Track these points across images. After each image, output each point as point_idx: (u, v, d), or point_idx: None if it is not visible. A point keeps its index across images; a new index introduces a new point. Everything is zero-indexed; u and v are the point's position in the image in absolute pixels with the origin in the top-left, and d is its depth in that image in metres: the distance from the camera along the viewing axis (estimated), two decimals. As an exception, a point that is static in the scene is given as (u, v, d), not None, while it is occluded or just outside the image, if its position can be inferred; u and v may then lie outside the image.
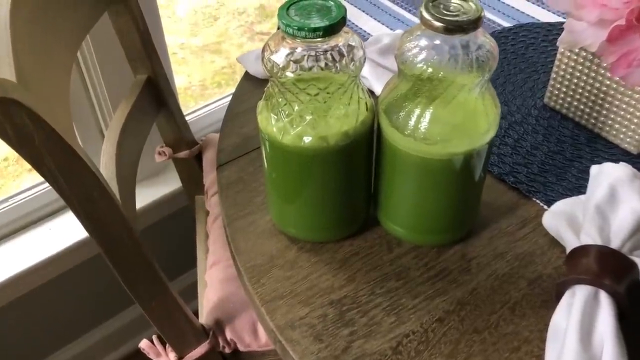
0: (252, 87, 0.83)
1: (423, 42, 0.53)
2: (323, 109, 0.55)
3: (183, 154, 1.03)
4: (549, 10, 0.94)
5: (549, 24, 0.90)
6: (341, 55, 0.53)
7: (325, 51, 0.53)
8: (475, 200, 0.62)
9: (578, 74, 0.72)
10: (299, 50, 0.53)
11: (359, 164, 0.60)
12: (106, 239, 0.69)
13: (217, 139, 1.05)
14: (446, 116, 0.55)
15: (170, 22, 2.24)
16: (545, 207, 0.67)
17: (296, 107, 0.55)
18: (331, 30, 0.52)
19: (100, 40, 0.98)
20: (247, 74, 0.84)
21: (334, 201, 0.61)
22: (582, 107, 0.74)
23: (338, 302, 0.60)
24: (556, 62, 0.74)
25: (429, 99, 0.55)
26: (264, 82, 0.83)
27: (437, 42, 0.53)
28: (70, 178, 0.62)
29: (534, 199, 0.68)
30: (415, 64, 0.53)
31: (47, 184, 1.15)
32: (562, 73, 0.74)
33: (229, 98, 1.36)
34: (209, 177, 1.02)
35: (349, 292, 0.61)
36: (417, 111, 0.55)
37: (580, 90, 0.73)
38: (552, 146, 0.72)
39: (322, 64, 0.53)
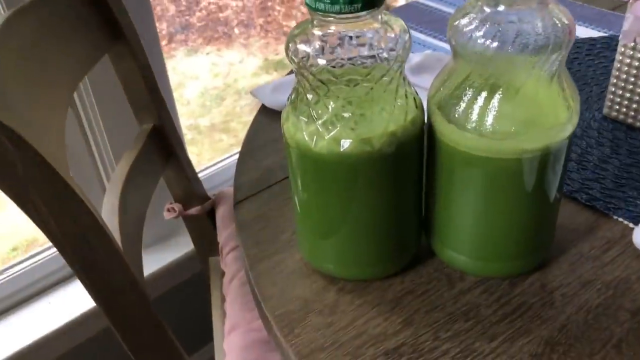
0: (269, 120, 0.72)
1: (483, 13, 0.42)
2: (365, 104, 0.44)
3: (194, 210, 0.91)
4: (587, 27, 0.84)
5: (591, 38, 0.80)
6: (384, 36, 0.42)
7: (363, 34, 0.42)
8: (553, 216, 0.50)
9: (632, 78, 0.61)
10: (332, 31, 0.42)
11: (409, 177, 0.48)
12: (107, 294, 0.56)
13: (231, 192, 0.94)
14: (516, 105, 0.44)
15: (179, 105, 2.19)
16: (631, 224, 0.54)
17: (332, 104, 0.44)
18: (372, 2, 0.41)
19: (101, 85, 0.88)
20: (262, 107, 0.74)
21: (382, 227, 0.49)
22: (651, 113, 0.62)
23: (395, 351, 0.46)
24: (615, 67, 0.63)
25: (494, 86, 0.43)
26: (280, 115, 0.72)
27: (501, 9, 0.42)
28: (60, 216, 0.50)
29: (615, 217, 0.55)
30: (475, 40, 0.42)
31: (44, 255, 1.02)
32: (623, 77, 0.63)
33: None
34: (224, 234, 0.90)
35: (407, 338, 0.47)
36: (481, 101, 0.43)
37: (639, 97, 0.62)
38: (623, 158, 0.60)
39: (363, 50, 0.42)
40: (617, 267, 0.51)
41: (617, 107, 0.64)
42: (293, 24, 2.50)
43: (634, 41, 0.59)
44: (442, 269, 0.52)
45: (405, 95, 0.45)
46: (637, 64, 0.61)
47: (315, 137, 0.44)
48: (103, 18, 0.73)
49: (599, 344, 0.46)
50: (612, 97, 0.65)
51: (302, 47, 0.43)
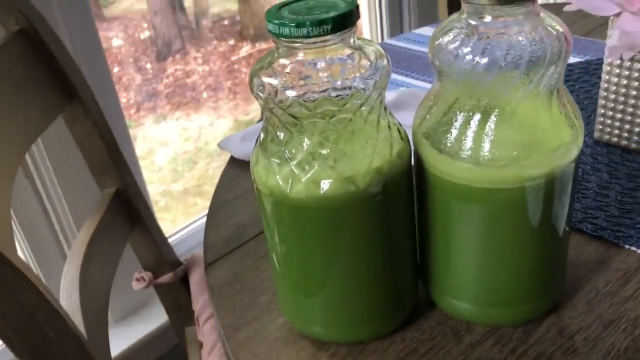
0: (240, 172, 0.65)
1: (469, 27, 0.37)
2: (344, 138, 0.37)
3: (166, 277, 0.83)
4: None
5: (568, 64, 0.76)
6: (359, 61, 0.37)
7: (336, 61, 0.37)
8: (563, 250, 0.44)
9: (633, 100, 0.56)
10: (301, 59, 0.36)
11: (400, 219, 0.41)
12: (62, 384, 0.48)
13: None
14: (514, 127, 0.38)
15: (149, 173, 2.13)
16: (646, 253, 0.49)
17: (306, 141, 0.37)
18: (342, 22, 0.35)
19: (56, 148, 0.81)
20: (231, 160, 0.67)
21: (374, 278, 0.42)
22: (646, 133, 0.57)
23: (402, 423, 0.39)
24: (602, 88, 0.59)
25: (487, 107, 0.37)
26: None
27: (487, 20, 0.36)
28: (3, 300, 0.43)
29: (627, 246, 0.49)
30: (462, 57, 0.36)
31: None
32: (612, 97, 0.58)
33: None
34: (199, 301, 0.82)
35: (415, 406, 0.40)
36: (474, 126, 0.38)
37: (631, 117, 0.57)
38: (624, 183, 0.55)
39: (337, 79, 0.36)
40: (640, 302, 0.45)
41: (609, 129, 0.59)
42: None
43: (620, 58, 0.55)
44: (445, 321, 0.45)
45: (389, 126, 0.39)
46: (625, 82, 0.56)
47: (290, 180, 0.38)
48: (54, 77, 0.67)
49: (636, 394, 0.39)
50: (602, 119, 0.60)
51: (268, 80, 0.37)
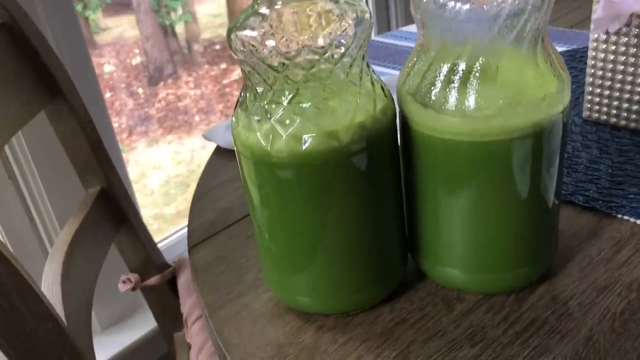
0: (224, 161, 0.64)
1: (450, -25, 0.36)
2: (326, 92, 0.36)
3: (153, 280, 0.81)
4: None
5: (554, 53, 0.75)
6: (341, 12, 0.36)
7: (317, 10, 0.36)
8: (555, 214, 0.42)
9: (620, 75, 0.56)
10: (279, 7, 0.35)
11: (386, 180, 0.40)
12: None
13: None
14: (500, 77, 0.36)
15: (142, 196, 2.11)
16: (639, 221, 0.47)
17: (287, 95, 0.36)
18: (321, -31, 0.34)
19: (39, 147, 0.79)
20: (217, 150, 0.66)
21: (361, 244, 0.40)
22: (635, 108, 0.56)
23: (392, 391, 0.37)
24: (589, 65, 0.58)
25: (472, 58, 0.36)
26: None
27: (470, -33, 0.36)
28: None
29: (620, 216, 0.48)
30: (444, 5, 0.35)
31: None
32: (599, 74, 0.57)
33: None
34: (187, 303, 0.79)
35: (406, 374, 0.38)
36: (459, 78, 0.36)
37: (628, 94, 0.56)
38: (614, 157, 0.54)
39: (317, 30, 0.35)
40: (635, 267, 0.43)
41: (597, 107, 0.59)
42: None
43: (606, 33, 0.54)
44: (435, 292, 0.43)
45: (372, 82, 0.38)
46: (612, 57, 0.55)
47: (271, 136, 0.36)
48: (37, 73, 0.66)
49: (635, 354, 0.37)
50: (590, 97, 0.59)
51: (246, 33, 0.36)
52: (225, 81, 2.75)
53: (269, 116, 0.36)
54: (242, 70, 0.38)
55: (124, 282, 0.80)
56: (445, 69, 0.37)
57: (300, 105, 0.36)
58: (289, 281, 0.42)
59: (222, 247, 0.51)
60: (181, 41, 2.78)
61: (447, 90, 0.36)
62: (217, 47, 2.86)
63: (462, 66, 0.36)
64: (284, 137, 0.36)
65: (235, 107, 0.39)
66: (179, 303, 0.82)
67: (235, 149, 0.40)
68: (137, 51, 2.75)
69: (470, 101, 0.36)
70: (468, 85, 0.36)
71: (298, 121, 0.36)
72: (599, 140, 0.56)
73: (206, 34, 2.89)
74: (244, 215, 0.54)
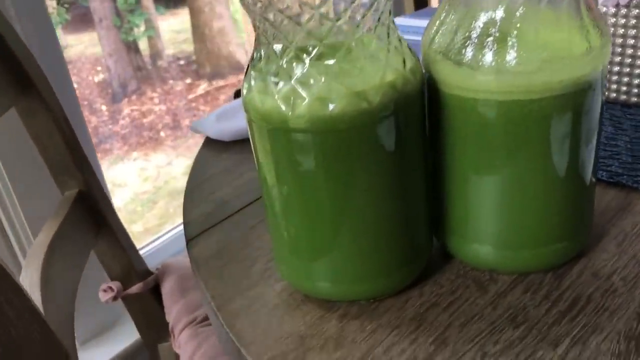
0: (216, 152, 0.59)
1: None
2: (353, 47, 0.32)
3: (136, 288, 0.75)
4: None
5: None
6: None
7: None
8: (592, 185, 0.39)
9: (630, 50, 0.53)
10: (299, -47, 0.32)
11: (414, 150, 0.36)
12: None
13: (178, 263, 0.79)
14: (541, 29, 0.33)
15: (108, 214, 2.03)
16: (669, 194, 0.44)
17: (310, 52, 0.32)
18: None
19: (9, 145, 0.73)
20: (206, 141, 0.61)
21: (390, 223, 0.36)
22: (646, 84, 0.54)
23: (434, 380, 0.33)
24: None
25: (509, 10, 0.33)
26: (229, 146, 0.59)
27: None
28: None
29: (647, 190, 0.45)
30: (479, -47, 0.32)
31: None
32: (607, 51, 0.55)
33: None
34: (174, 311, 0.74)
35: (447, 360, 0.34)
36: (496, 30, 0.33)
37: (639, 69, 0.54)
38: (631, 133, 0.51)
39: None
40: (674, 240, 0.40)
41: (607, 84, 0.56)
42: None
43: (616, 5, 0.52)
44: (465, 273, 0.40)
45: (399, 40, 0.34)
46: (621, 31, 0.53)
47: (292, 99, 0.32)
48: (7, 67, 0.60)
49: (694, 328, 0.34)
50: (598, 76, 0.56)
51: (261, -15, 0.32)
52: (190, 96, 2.70)
53: (288, 76, 0.32)
54: (255, 27, 0.34)
55: (104, 291, 0.74)
56: (481, 22, 0.33)
57: (325, 62, 0.32)
58: (307, 267, 0.38)
59: (223, 238, 0.46)
60: (145, 57, 2.72)
61: (484, 45, 0.33)
62: (182, 62, 2.80)
63: (500, 18, 0.33)
64: (307, 100, 0.32)
65: (247, 71, 0.35)
66: (163, 312, 0.77)
67: (247, 118, 0.35)
68: (99, 68, 2.68)
69: (511, 55, 0.33)
70: (507, 38, 0.33)
71: (323, 81, 0.32)
72: (611, 117, 0.54)
73: (170, 49, 2.84)
74: (243, 205, 0.50)
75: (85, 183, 0.70)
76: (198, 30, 2.80)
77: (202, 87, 2.73)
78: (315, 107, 0.32)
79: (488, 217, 0.38)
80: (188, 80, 2.74)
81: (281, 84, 0.33)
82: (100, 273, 0.74)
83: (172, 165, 2.40)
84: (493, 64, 0.33)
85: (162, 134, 2.56)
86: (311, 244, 0.37)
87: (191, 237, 0.47)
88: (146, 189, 2.25)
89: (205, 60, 2.80)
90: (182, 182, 2.20)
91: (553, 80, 0.33)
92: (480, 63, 0.33)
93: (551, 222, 0.37)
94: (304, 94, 0.32)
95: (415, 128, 0.35)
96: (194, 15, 2.79)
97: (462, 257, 0.40)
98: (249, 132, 0.36)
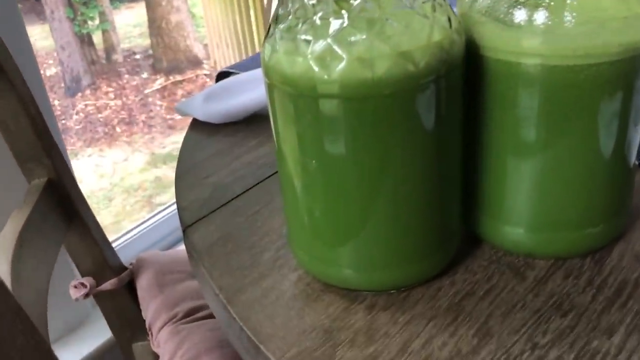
0: (204, 135, 0.54)
1: None
2: (395, 2, 0.28)
3: (109, 284, 0.69)
4: None
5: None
6: None
7: None
8: (635, 165, 0.36)
9: None
10: None
11: (453, 123, 0.32)
12: None
13: (153, 257, 0.74)
14: (595, -8, 0.30)
15: (62, 212, 1.93)
16: (696, 176, 0.42)
17: (350, 4, 0.28)
18: None
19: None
20: (193, 124, 0.56)
21: (424, 202, 0.32)
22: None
23: (483, 376, 0.29)
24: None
25: (561, -33, 0.30)
26: (220, 128, 0.55)
27: None
28: None
29: (673, 172, 0.43)
30: None
31: None
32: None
33: (169, 210, 1.02)
34: (151, 308, 0.68)
35: (495, 353, 0.30)
36: (548, -10, 0.30)
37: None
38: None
39: None
40: None
41: None
42: (177, 116, 2.35)
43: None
44: (498, 259, 0.36)
45: (441, -2, 0.31)
46: None
47: (328, 60, 0.28)
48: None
49: None
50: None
51: None
52: (147, 91, 2.61)
53: (324, 34, 0.28)
54: (283, -19, 0.29)
55: (75, 287, 0.68)
56: (532, -21, 0.30)
57: (367, 17, 0.28)
58: (331, 253, 0.33)
59: (225, 225, 0.41)
60: (99, 51, 2.62)
61: (538, 2, 0.29)
62: (138, 56, 2.71)
63: (554, -26, 0.29)
64: (345, 60, 0.28)
65: (268, 32, 0.31)
66: (138, 309, 0.71)
67: (267, 86, 0.31)
68: (51, 62, 2.57)
69: (567, 14, 0.29)
70: (563, -4, 0.29)
71: (365, 38, 0.28)
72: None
73: (125, 43, 2.74)
74: (244, 189, 0.45)
75: (56, 171, 0.63)
76: (155, 23, 2.71)
77: (159, 81, 2.64)
78: (355, 68, 0.28)
79: (525, 197, 0.34)
80: (144, 75, 2.66)
81: (315, 42, 0.28)
82: (69, 267, 0.67)
83: (129, 162, 2.32)
84: (549, 23, 0.29)
85: (117, 129, 2.47)
86: (336, 227, 0.33)
87: (188, 223, 0.42)
88: (102, 185, 2.16)
89: (162, 55, 2.72)
90: (139, 179, 2.12)
91: (612, 42, 0.29)
92: (533, 23, 0.29)
93: (592, 203, 0.34)
94: (342, 53, 0.28)
95: (457, 98, 0.32)
96: (151, 8, 2.70)
97: (494, 241, 0.36)
98: (269, 100, 0.31)
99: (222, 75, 0.63)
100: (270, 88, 0.31)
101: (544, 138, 0.32)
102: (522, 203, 0.34)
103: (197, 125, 0.55)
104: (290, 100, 0.30)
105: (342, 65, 0.28)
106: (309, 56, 0.28)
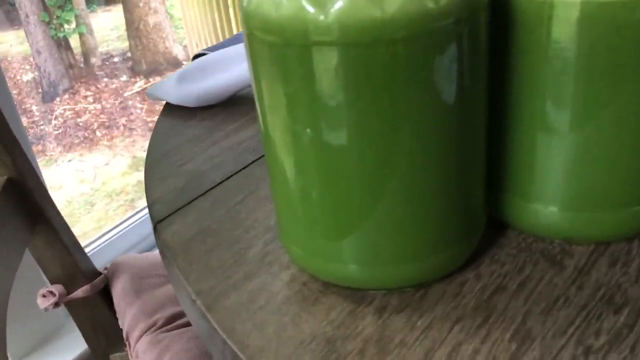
0: (179, 120, 0.47)
1: None
2: None
3: (82, 291, 0.62)
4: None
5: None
6: None
7: None
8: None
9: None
10: None
11: (480, 84, 0.26)
12: None
13: (128, 261, 0.67)
14: None
15: (43, 219, 1.85)
16: None
17: None
18: None
19: None
20: (166, 108, 0.49)
21: (444, 181, 0.26)
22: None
23: (530, 391, 0.23)
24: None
25: None
26: (195, 112, 0.48)
27: None
28: None
29: None
30: None
31: None
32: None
33: (142, 213, 0.95)
34: (128, 315, 0.62)
35: (539, 362, 0.24)
36: None
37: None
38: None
39: None
40: None
41: None
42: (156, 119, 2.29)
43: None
44: (529, 246, 0.30)
45: None
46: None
47: (324, -4, 0.21)
48: None
49: None
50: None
51: None
52: (127, 94, 2.53)
53: (318, -36, 0.21)
54: None
55: (44, 296, 0.61)
56: None
57: (373, -60, 0.21)
58: (331, 246, 0.27)
59: (204, 218, 0.35)
60: (77, 55, 2.54)
61: None
62: (116, 59, 2.64)
63: None
64: (348, -4, 0.21)
65: (248, -29, 0.24)
66: (114, 317, 0.64)
67: (246, 37, 0.24)
68: (28, 67, 2.49)
69: (620, -63, 0.23)
70: None
71: (371, -34, 0.21)
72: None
73: (103, 47, 2.66)
74: (224, 177, 0.38)
75: (17, 169, 0.56)
76: (133, 25, 2.63)
77: (139, 84, 2.57)
78: (358, 5, 0.21)
79: (560, 169, 0.28)
80: (123, 78, 2.58)
81: (306, -25, 0.22)
82: (39, 274, 0.60)
83: (110, 166, 2.24)
84: (598, -52, 0.23)
85: (97, 133, 2.39)
86: (337, 214, 0.26)
87: (160, 218, 0.35)
88: (83, 191, 2.09)
89: (140, 57, 2.64)
90: (121, 183, 2.05)
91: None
92: (577, -50, 0.23)
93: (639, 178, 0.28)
94: (342, -13, 0.21)
95: (482, 50, 0.25)
96: (128, 10, 2.62)
97: (522, 224, 0.30)
98: (249, 57, 0.25)
99: (198, 56, 0.56)
100: (250, 40, 0.24)
101: (584, 99, 0.26)
102: (556, 176, 0.28)
103: (170, 110, 0.48)
104: (275, 53, 0.23)
105: (342, 1, 0.21)
106: (301, -6, 0.22)
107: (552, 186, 0.28)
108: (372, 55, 0.22)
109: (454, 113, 0.25)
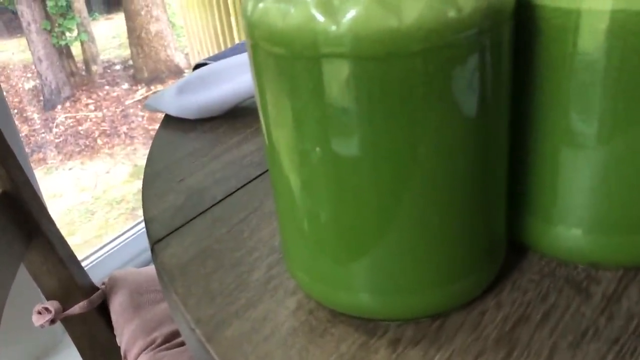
0: (179, 132, 0.45)
1: None
2: None
3: (79, 307, 0.60)
4: None
5: None
6: None
7: None
8: None
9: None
10: None
11: (503, 98, 0.24)
12: None
13: (126, 275, 0.65)
14: None
15: (43, 227, 1.83)
16: None
17: None
18: None
19: None
20: (165, 119, 0.47)
21: (465, 205, 0.24)
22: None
23: None
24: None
25: None
26: (196, 124, 0.46)
27: None
28: None
29: None
30: None
31: None
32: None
33: (139, 227, 0.93)
34: (126, 332, 0.59)
35: (570, 403, 0.22)
36: None
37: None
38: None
39: None
40: None
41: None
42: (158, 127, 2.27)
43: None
44: (552, 272, 0.28)
45: None
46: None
47: (336, 3, 0.19)
48: None
49: None
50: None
51: None
52: (128, 102, 2.52)
53: (330, -31, 0.19)
54: None
55: (39, 313, 0.59)
56: None
57: (390, -58, 0.19)
58: (341, 272, 0.25)
59: (204, 237, 0.32)
60: (78, 62, 2.53)
61: None
62: (118, 67, 2.63)
63: None
64: (361, 2, 0.19)
65: (252, -23, 0.22)
66: (112, 334, 0.62)
67: (250, 49, 0.22)
68: (29, 75, 2.48)
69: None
70: None
71: (388, -29, 0.19)
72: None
73: (105, 55, 2.66)
74: (226, 194, 0.36)
75: (12, 182, 0.54)
76: (134, 33, 2.63)
77: (140, 92, 2.56)
78: (373, 15, 0.19)
79: (586, 191, 0.26)
80: (125, 86, 2.57)
81: (316, -19, 0.20)
82: (33, 291, 0.58)
83: (111, 174, 2.23)
84: (634, -48, 0.21)
85: (99, 141, 2.38)
86: (348, 237, 0.24)
87: (158, 238, 0.33)
88: (83, 199, 2.07)
89: (142, 65, 2.63)
90: (121, 191, 2.03)
91: None
92: (611, -46, 0.21)
93: (672, 195, 0.26)
94: (356, -6, 0.19)
95: (505, 63, 0.23)
96: (130, 18, 2.62)
97: (544, 248, 0.28)
98: (254, 69, 0.23)
99: (198, 66, 0.54)
100: (254, 51, 0.22)
101: (614, 113, 0.24)
102: (581, 196, 0.26)
103: (169, 122, 0.46)
104: (282, 66, 0.21)
105: (356, 10, 0.19)
106: (310, 4, 0.20)
107: (577, 210, 0.26)
108: (387, 69, 0.20)
109: (475, 130, 0.23)
